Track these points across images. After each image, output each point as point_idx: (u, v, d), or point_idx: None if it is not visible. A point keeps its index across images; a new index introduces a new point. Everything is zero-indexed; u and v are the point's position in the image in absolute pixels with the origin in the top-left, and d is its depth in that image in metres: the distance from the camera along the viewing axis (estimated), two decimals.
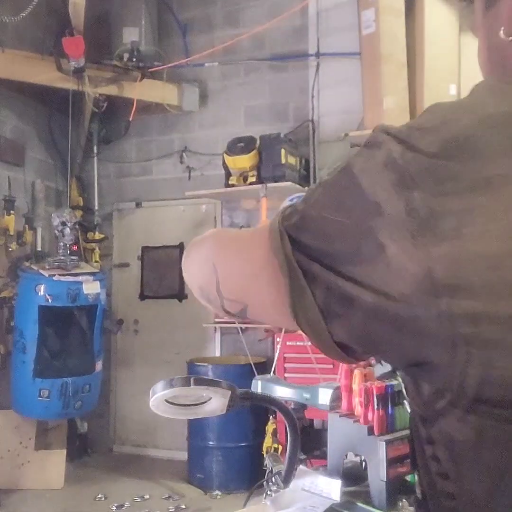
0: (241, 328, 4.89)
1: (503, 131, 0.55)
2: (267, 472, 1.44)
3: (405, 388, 0.66)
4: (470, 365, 0.54)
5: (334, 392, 1.36)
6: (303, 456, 1.41)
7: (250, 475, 4.34)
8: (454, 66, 4.34)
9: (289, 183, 4.79)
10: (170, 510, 4.36)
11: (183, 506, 4.44)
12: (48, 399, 4.56)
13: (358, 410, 1.27)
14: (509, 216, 0.53)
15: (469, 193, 0.54)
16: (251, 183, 4.86)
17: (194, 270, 0.83)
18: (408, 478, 1.20)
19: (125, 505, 4.46)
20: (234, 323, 4.83)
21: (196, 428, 4.83)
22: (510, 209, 0.53)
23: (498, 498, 0.55)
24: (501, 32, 0.66)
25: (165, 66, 5.43)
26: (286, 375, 4.24)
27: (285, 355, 4.37)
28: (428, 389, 0.60)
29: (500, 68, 0.68)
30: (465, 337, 0.54)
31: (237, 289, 0.75)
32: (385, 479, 1.14)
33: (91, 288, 4.72)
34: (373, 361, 1.31)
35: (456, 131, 0.57)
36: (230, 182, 4.98)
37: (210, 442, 4.77)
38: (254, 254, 0.71)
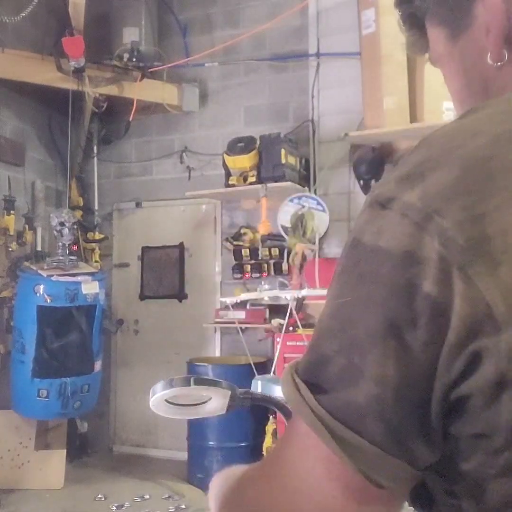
0: (241, 328, 4.89)
1: None
2: None
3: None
4: None
5: None
6: None
7: None
8: None
9: (289, 183, 4.79)
10: (170, 510, 4.36)
11: (183, 506, 4.44)
12: (47, 399, 4.56)
13: None
14: None
15: (506, 210, 0.50)
16: (251, 183, 4.86)
17: None
18: None
19: (125, 505, 4.45)
20: (234, 323, 4.83)
21: (196, 428, 4.83)
22: None
23: None
24: (488, 58, 0.65)
25: (165, 66, 5.43)
26: None
27: (285, 355, 4.37)
28: (478, 459, 0.55)
29: (482, 93, 0.68)
30: None
31: None
32: None
33: (90, 288, 4.72)
34: None
35: (472, 152, 0.54)
36: (230, 182, 4.98)
37: (210, 442, 4.77)
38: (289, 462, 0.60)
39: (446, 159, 0.54)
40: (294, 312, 4.15)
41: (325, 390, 0.56)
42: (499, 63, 0.65)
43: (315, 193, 5.02)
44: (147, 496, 4.61)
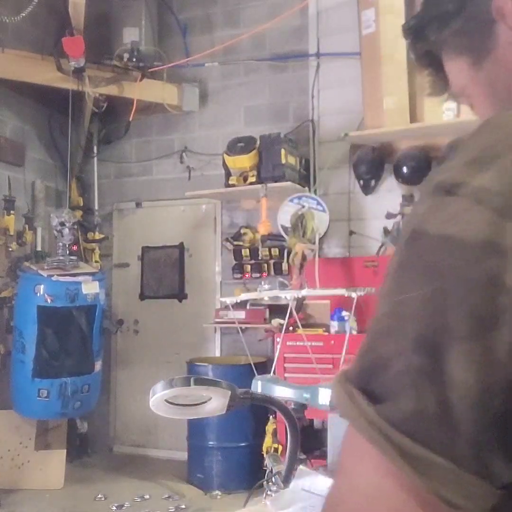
0: (241, 328, 4.89)
1: None
2: (267, 472, 1.44)
3: None
4: None
5: None
6: (303, 456, 1.41)
7: (250, 475, 4.34)
8: None
9: (289, 183, 4.80)
10: (170, 510, 4.36)
11: (183, 506, 4.44)
12: (47, 399, 4.57)
13: None
14: None
15: None
16: (251, 183, 4.87)
17: None
18: None
19: (125, 505, 4.45)
20: (234, 322, 4.83)
21: (196, 428, 4.82)
22: None
23: None
24: None
25: (165, 66, 5.43)
26: (286, 375, 4.24)
27: (285, 355, 4.37)
28: None
29: None
30: None
31: None
32: None
33: (90, 288, 4.72)
34: None
35: None
36: (230, 182, 4.98)
37: (210, 442, 4.77)
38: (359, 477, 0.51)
39: None
40: (294, 312, 4.15)
41: (384, 399, 0.49)
42: None
43: (315, 193, 5.03)
44: (147, 496, 4.61)
